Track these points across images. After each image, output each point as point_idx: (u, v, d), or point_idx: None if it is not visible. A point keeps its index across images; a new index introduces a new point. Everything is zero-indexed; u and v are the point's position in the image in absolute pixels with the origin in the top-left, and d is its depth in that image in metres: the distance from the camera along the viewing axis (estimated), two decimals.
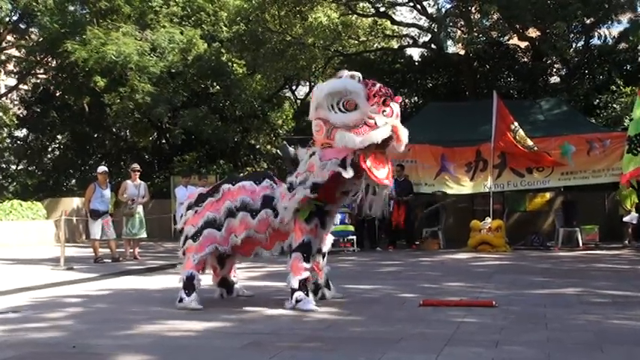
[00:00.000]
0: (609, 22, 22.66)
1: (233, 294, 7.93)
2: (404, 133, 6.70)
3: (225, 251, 7.35)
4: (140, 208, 14.62)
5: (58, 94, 28.31)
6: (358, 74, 6.70)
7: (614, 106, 20.96)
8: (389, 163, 6.81)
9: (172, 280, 9.36)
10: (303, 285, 6.83)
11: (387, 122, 6.53)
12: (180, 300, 7.14)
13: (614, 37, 23.87)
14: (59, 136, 31.15)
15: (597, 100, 22.21)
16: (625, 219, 16.86)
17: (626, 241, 16.91)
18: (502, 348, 4.98)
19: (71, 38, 22.06)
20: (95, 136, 29.69)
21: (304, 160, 6.91)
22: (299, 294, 6.79)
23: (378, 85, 6.67)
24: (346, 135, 6.43)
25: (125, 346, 5.18)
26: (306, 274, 6.85)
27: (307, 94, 33.70)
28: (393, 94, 6.75)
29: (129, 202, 14.37)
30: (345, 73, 6.76)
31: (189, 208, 7.55)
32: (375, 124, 6.46)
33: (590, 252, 15.24)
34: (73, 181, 30.26)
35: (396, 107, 6.70)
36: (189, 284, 7.16)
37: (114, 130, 28.63)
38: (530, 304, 7.23)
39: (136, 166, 15.22)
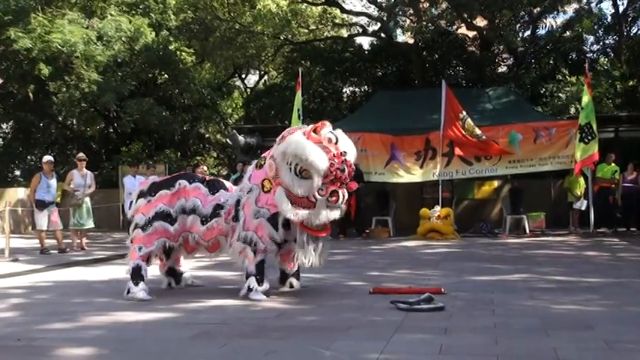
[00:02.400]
0: (555, 12, 23.03)
1: (181, 284, 7.82)
2: (337, 216, 6.70)
3: (173, 246, 7.33)
4: (87, 198, 14.37)
5: (0, 82, 27.61)
6: (335, 137, 6.58)
7: (560, 95, 21.33)
8: None
9: (120, 271, 9.17)
10: (259, 269, 6.81)
11: (325, 213, 6.50)
12: (128, 291, 7.03)
13: (559, 27, 24.23)
14: (3, 125, 30.46)
15: (543, 89, 22.58)
16: (575, 205, 17.13)
17: (572, 228, 17.21)
18: (451, 334, 5.01)
19: (15, 25, 21.54)
20: (40, 125, 29.08)
21: (245, 178, 7.06)
22: (252, 281, 6.76)
23: (345, 165, 6.50)
24: (284, 200, 6.47)
25: (72, 338, 5.10)
26: (260, 257, 6.80)
27: (257, 83, 33.67)
28: (350, 178, 6.58)
29: (75, 192, 14.10)
30: (327, 130, 6.61)
31: (140, 196, 7.43)
32: (314, 205, 6.45)
33: (537, 239, 15.51)
34: (18, 171, 29.62)
35: (344, 194, 6.58)
36: (137, 274, 7.06)
37: (60, 118, 28.01)
38: (479, 290, 7.30)
39: (82, 155, 14.99)
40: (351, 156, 6.66)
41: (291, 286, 7.36)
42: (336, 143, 6.54)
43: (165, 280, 7.82)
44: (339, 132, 6.72)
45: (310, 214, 6.45)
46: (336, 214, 6.63)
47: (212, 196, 7.18)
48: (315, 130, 6.59)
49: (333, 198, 6.49)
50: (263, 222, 6.68)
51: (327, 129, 6.61)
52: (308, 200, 6.43)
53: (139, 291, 6.98)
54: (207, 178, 7.62)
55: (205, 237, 7.14)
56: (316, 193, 6.42)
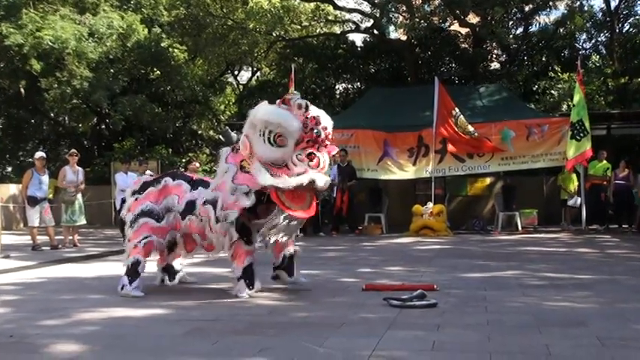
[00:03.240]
0: (547, 10, 23.07)
1: (175, 281, 7.77)
2: (322, 182, 6.38)
3: (163, 243, 7.22)
4: (79, 195, 14.31)
5: None
6: (305, 103, 6.37)
7: (552, 92, 21.33)
8: (311, 194, 6.56)
9: (112, 268, 9.23)
10: (248, 272, 6.73)
11: (306, 174, 6.23)
12: (122, 287, 7.01)
13: (552, 24, 24.28)
14: None
15: (536, 87, 22.60)
16: (569, 203, 17.13)
17: (564, 224, 17.25)
18: (443, 331, 5.02)
19: (6, 21, 21.43)
20: (32, 121, 28.94)
21: (219, 172, 6.85)
22: (242, 286, 6.71)
23: (319, 127, 6.33)
24: (261, 170, 6.27)
25: (64, 335, 5.07)
26: (249, 260, 6.73)
27: (250, 80, 33.60)
28: (327, 140, 6.44)
29: (69, 188, 14.05)
30: (296, 97, 6.46)
31: (132, 195, 7.42)
32: (294, 170, 6.25)
33: (529, 235, 15.58)
34: (9, 168, 29.48)
35: (324, 157, 6.41)
36: (133, 271, 7.00)
37: (52, 115, 27.91)
38: (471, 287, 7.32)
39: (74, 151, 14.95)
40: (325, 121, 6.45)
41: (277, 277, 7.23)
42: (306, 110, 6.33)
43: (159, 276, 7.78)
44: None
45: (287, 180, 6.18)
46: (320, 178, 6.32)
47: (189, 193, 7.06)
48: (283, 102, 6.44)
49: (314, 162, 6.29)
50: (240, 196, 6.46)
51: (295, 97, 6.46)
52: (287, 169, 6.24)
53: (133, 288, 6.94)
54: (195, 177, 7.51)
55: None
56: (294, 158, 6.25)
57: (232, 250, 6.73)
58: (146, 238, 7.01)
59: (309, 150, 6.27)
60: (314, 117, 6.32)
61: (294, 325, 5.39)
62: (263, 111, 6.35)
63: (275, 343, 4.72)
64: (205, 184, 7.12)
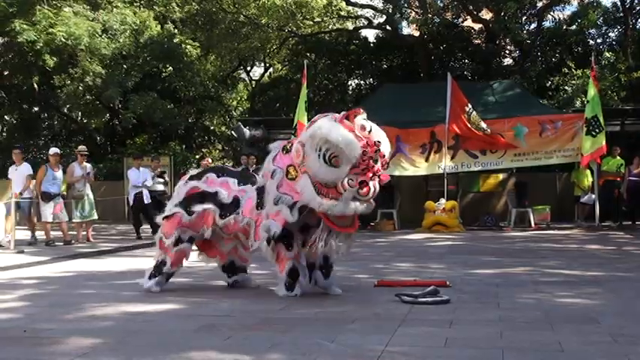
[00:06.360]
0: (561, 5, 22.93)
1: (239, 281, 7.29)
2: (367, 210, 6.18)
3: (196, 237, 6.93)
4: (89, 190, 14.36)
5: (5, 73, 27.58)
6: (370, 125, 6.05)
7: (566, 88, 21.27)
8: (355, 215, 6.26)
9: (125, 263, 9.28)
10: (290, 276, 6.42)
11: (354, 204, 5.98)
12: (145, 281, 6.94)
13: (565, 19, 24.15)
14: (6, 117, 30.45)
15: (549, 82, 22.51)
16: (583, 199, 17.05)
17: (577, 221, 17.16)
18: (456, 327, 4.98)
19: (20, 17, 21.52)
20: (45, 116, 29.01)
21: (268, 159, 6.50)
22: (281, 288, 6.44)
23: (378, 156, 6.02)
24: (309, 189, 6.03)
25: (77, 330, 5.05)
26: (290, 264, 6.40)
27: (262, 76, 33.54)
28: (383, 168, 6.14)
29: (77, 184, 14.12)
30: (360, 117, 6.08)
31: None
32: (342, 193, 5.95)
33: (542, 232, 15.47)
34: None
35: (375, 187, 6.06)
36: (157, 268, 6.90)
37: (65, 110, 28.00)
38: (483, 283, 7.25)
39: (83, 148, 15.07)
40: (385, 148, 6.14)
41: (315, 282, 6.72)
42: (369, 132, 6.00)
43: (226, 277, 7.37)
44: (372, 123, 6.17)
45: (336, 205, 5.93)
46: (364, 208, 6.09)
47: (236, 188, 6.77)
48: (347, 118, 6.07)
49: (364, 190, 5.97)
50: (283, 209, 6.20)
51: (360, 116, 6.09)
52: (336, 191, 5.95)
53: (155, 284, 6.85)
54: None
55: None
56: (345, 183, 5.92)
57: (275, 255, 6.43)
58: (174, 234, 6.82)
59: (362, 178, 5.97)
60: (375, 142, 5.99)
61: (306, 320, 5.33)
62: (327, 128, 5.96)
63: (287, 338, 4.67)
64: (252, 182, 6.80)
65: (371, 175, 6.01)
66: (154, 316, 5.65)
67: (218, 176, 6.91)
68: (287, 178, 6.24)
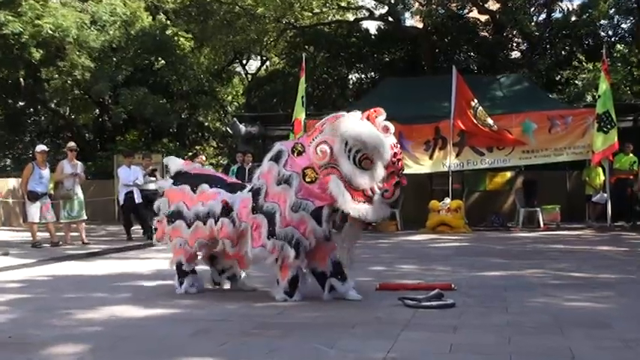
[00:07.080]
0: None
1: (237, 285, 7.26)
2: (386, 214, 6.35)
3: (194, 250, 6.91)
4: (78, 190, 14.16)
5: None
6: (392, 127, 6.03)
7: (576, 82, 21.18)
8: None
9: (115, 266, 9.64)
10: (291, 284, 6.30)
11: (385, 208, 6.09)
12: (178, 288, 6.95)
13: (575, 10, 23.94)
14: None
15: (559, 76, 22.44)
16: (594, 199, 16.78)
17: (588, 221, 16.82)
18: (461, 333, 4.96)
19: (4, 8, 21.19)
20: (31, 112, 28.73)
21: (269, 162, 6.28)
22: (280, 295, 6.33)
23: (400, 157, 6.11)
24: (343, 192, 5.87)
25: (65, 335, 5.02)
26: (292, 273, 6.27)
27: (258, 69, 33.49)
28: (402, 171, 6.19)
29: (66, 182, 13.93)
30: (382, 118, 6.00)
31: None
32: (369, 196, 5.92)
33: (551, 232, 15.36)
34: (8, 160, 29.38)
35: (397, 191, 6.07)
36: (180, 271, 6.94)
37: (52, 105, 27.85)
38: (490, 286, 7.25)
39: (73, 144, 14.86)
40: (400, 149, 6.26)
41: (330, 290, 6.50)
42: (392, 134, 6.06)
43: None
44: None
45: (369, 210, 5.91)
46: (387, 212, 6.24)
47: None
48: (368, 118, 6.02)
49: (388, 193, 5.99)
50: (306, 216, 6.03)
51: (382, 117, 6.03)
52: (364, 194, 5.91)
53: (188, 286, 6.88)
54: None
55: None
56: (375, 187, 5.92)
57: (279, 262, 6.28)
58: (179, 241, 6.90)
59: (391, 181, 6.00)
60: (395, 144, 6.06)
61: (305, 325, 5.36)
62: (359, 128, 5.87)
63: (284, 344, 4.69)
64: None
65: (396, 178, 6.04)
66: (145, 321, 5.67)
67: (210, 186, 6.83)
68: (304, 181, 6.11)
